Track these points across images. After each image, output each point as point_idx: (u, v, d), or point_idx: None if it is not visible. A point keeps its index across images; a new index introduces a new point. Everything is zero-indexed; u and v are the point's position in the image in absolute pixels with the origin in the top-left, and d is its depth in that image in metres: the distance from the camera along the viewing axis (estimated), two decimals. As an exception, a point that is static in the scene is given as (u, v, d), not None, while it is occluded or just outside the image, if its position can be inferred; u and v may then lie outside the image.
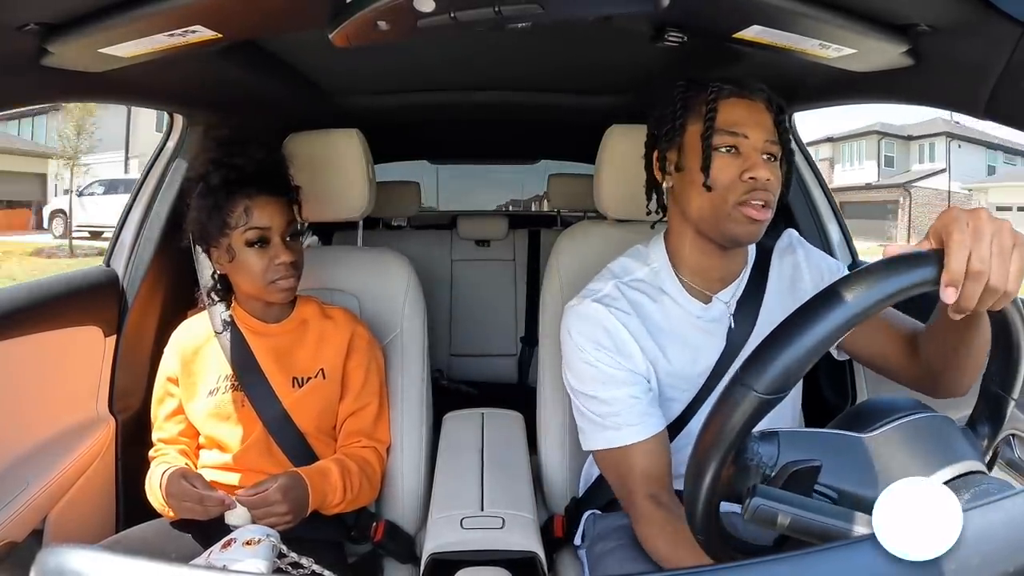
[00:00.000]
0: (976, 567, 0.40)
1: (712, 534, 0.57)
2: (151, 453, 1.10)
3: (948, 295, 0.50)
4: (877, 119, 21.33)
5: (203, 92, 1.28)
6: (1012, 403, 0.60)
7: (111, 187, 12.94)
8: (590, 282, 0.99)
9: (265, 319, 1.11)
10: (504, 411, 1.33)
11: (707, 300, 0.96)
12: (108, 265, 1.32)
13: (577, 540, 1.06)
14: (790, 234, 1.06)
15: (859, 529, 0.47)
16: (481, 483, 1.03)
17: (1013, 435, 0.94)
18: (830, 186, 1.57)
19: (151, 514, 1.05)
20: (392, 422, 1.17)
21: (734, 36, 0.86)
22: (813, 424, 1.14)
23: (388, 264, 1.28)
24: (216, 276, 1.11)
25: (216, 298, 1.11)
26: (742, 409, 0.50)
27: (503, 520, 0.92)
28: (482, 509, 0.96)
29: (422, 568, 0.87)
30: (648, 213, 1.01)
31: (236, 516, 0.95)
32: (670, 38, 0.93)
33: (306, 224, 1.15)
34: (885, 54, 0.83)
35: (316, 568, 0.86)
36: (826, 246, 1.46)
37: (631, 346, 0.92)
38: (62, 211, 13.81)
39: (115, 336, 1.26)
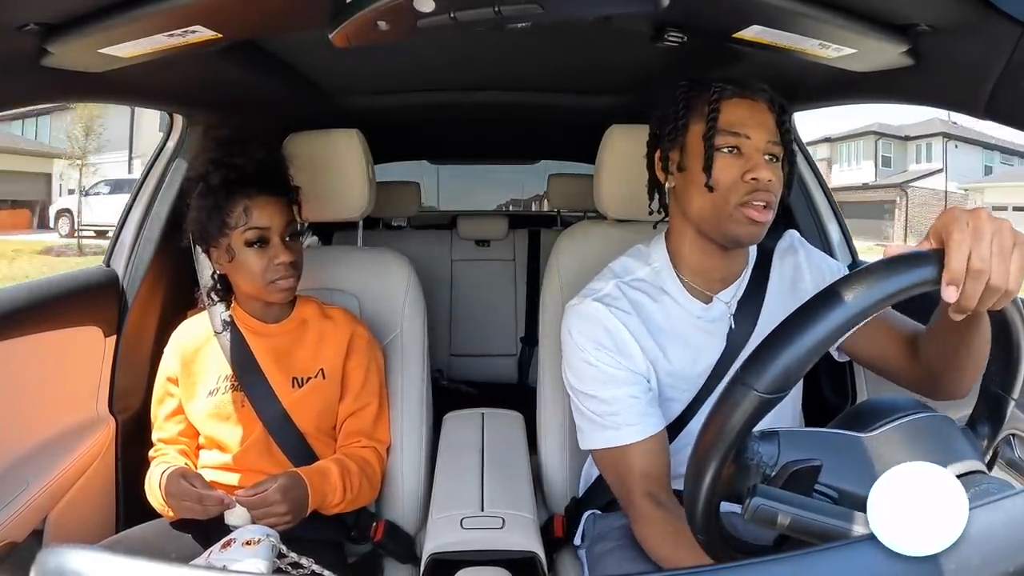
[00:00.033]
0: (976, 567, 0.40)
1: (712, 534, 0.57)
2: (151, 453, 1.10)
3: (949, 294, 0.50)
4: (874, 119, 21.37)
5: (203, 92, 1.28)
6: (1012, 403, 0.60)
7: (116, 187, 13.01)
8: (591, 281, 0.99)
9: (265, 319, 1.11)
10: (504, 411, 1.33)
11: (708, 300, 0.96)
12: (108, 265, 1.32)
13: (577, 540, 1.06)
14: (791, 235, 1.06)
15: (859, 529, 0.47)
16: (481, 483, 1.03)
17: (1013, 435, 0.94)
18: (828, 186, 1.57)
19: (151, 514, 1.05)
20: (392, 422, 1.17)
21: (734, 36, 0.86)
22: (813, 424, 1.13)
23: (388, 264, 1.28)
24: (216, 276, 1.11)
25: (216, 298, 1.11)
26: (742, 408, 0.50)
27: (503, 520, 0.92)
28: (482, 509, 0.96)
29: (422, 568, 0.87)
30: (650, 213, 1.01)
31: (236, 516, 0.95)
32: (670, 38, 0.93)
33: (306, 224, 1.15)
34: (885, 54, 0.83)
35: (316, 568, 0.86)
36: (826, 246, 1.46)
37: (631, 346, 0.92)
38: (68, 210, 13.92)
39: (115, 336, 1.26)
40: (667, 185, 0.95)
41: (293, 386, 1.08)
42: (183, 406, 1.09)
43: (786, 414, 1.01)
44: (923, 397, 0.81)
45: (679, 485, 0.64)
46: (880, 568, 0.41)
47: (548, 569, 0.92)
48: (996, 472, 0.85)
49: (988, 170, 19.69)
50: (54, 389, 1.13)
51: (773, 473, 0.53)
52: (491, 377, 2.29)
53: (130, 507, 1.25)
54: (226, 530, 0.93)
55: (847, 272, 0.91)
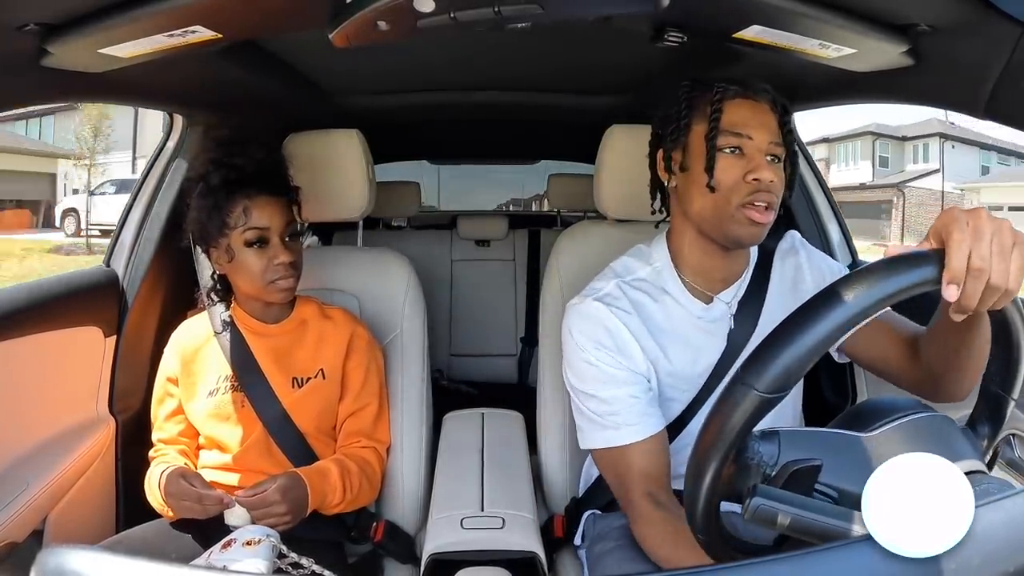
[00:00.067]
0: (976, 567, 0.40)
1: (712, 534, 0.57)
2: (151, 453, 1.10)
3: (950, 293, 0.50)
4: (872, 120, 21.38)
5: (203, 92, 1.28)
6: (1012, 403, 0.60)
7: (122, 187, 13.07)
8: (592, 281, 0.99)
9: (265, 319, 1.11)
10: (504, 411, 1.33)
11: (709, 300, 0.96)
12: (108, 265, 1.32)
13: (577, 540, 1.06)
14: (792, 236, 1.06)
15: (859, 529, 0.47)
16: (481, 483, 1.03)
17: (1013, 435, 0.94)
18: (826, 186, 1.57)
19: (151, 514, 1.05)
20: (392, 422, 1.17)
21: (734, 36, 0.86)
22: (813, 424, 1.13)
23: (388, 264, 1.28)
24: (216, 276, 1.11)
25: (216, 298, 1.11)
26: (743, 408, 0.50)
27: (503, 520, 0.92)
28: (482, 509, 0.96)
29: (422, 568, 0.87)
30: (652, 213, 1.01)
31: (236, 516, 0.95)
32: (670, 38, 0.93)
33: (306, 224, 1.15)
34: (885, 54, 0.83)
35: (316, 568, 0.86)
36: (826, 246, 1.46)
37: (632, 346, 0.92)
38: (74, 210, 14.03)
39: (115, 336, 1.26)
40: (669, 185, 0.95)
41: (293, 386, 1.08)
42: (183, 406, 1.09)
43: (786, 414, 1.01)
44: (923, 399, 0.81)
45: (679, 485, 0.64)
46: (880, 568, 0.41)
47: (548, 569, 0.92)
48: (996, 472, 0.85)
49: (985, 170, 19.70)
50: (54, 389, 1.13)
51: (773, 473, 0.53)
52: (491, 377, 2.29)
53: (130, 507, 1.25)
54: (226, 530, 0.93)
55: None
